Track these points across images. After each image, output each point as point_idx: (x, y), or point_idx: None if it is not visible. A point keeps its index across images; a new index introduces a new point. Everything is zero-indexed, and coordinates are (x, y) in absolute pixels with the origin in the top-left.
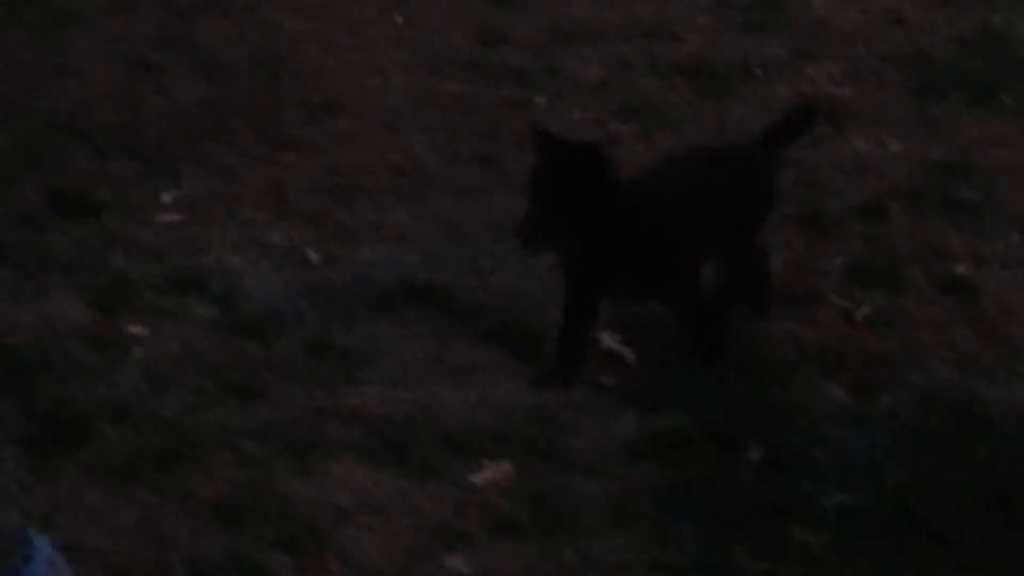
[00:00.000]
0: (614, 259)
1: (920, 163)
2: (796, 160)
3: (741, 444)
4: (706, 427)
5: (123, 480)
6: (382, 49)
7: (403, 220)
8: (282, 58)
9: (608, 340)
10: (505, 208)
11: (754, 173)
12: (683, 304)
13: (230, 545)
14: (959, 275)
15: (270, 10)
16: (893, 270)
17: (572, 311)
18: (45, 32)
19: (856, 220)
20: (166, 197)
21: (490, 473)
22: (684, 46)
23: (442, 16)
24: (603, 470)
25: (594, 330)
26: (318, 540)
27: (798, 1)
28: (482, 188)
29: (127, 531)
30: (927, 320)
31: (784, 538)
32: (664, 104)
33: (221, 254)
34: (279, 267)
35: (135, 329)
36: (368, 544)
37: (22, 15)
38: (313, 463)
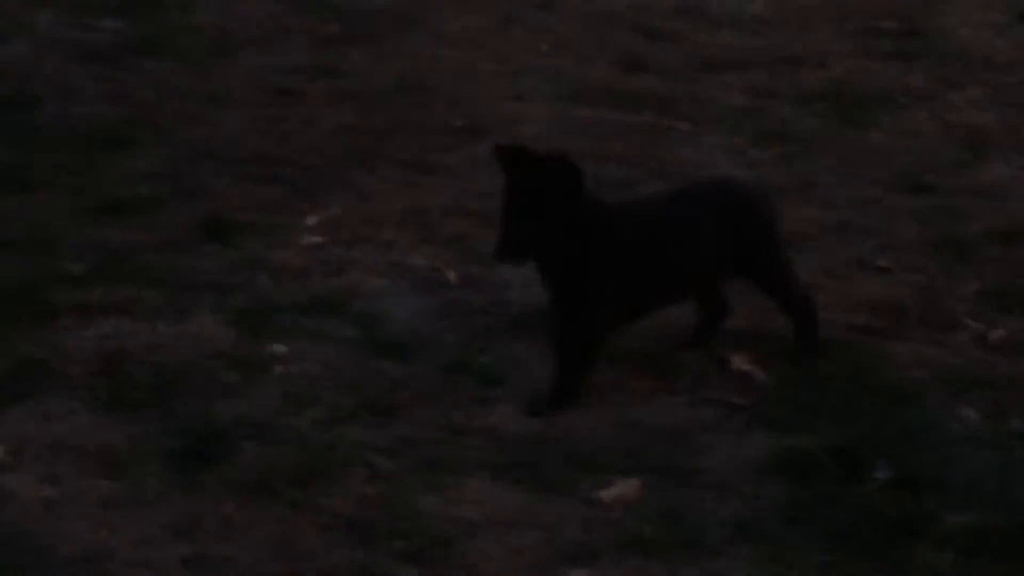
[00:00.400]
0: (581, 271)
1: None
2: (935, 186)
3: (869, 464)
4: (835, 447)
5: (260, 494)
6: (526, 77)
7: None
8: (426, 85)
9: (738, 361)
10: None
11: (742, 208)
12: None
13: (362, 558)
14: None
15: (416, 39)
16: None
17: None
18: (197, 61)
19: (993, 245)
20: (310, 220)
21: (619, 490)
22: (827, 73)
23: (587, 45)
24: (731, 488)
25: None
26: (447, 554)
27: (942, 29)
28: None
29: (262, 543)
30: None
31: (910, 557)
32: (805, 131)
33: (362, 276)
34: (419, 288)
35: (276, 348)
36: (496, 558)
37: (175, 44)
38: (445, 479)
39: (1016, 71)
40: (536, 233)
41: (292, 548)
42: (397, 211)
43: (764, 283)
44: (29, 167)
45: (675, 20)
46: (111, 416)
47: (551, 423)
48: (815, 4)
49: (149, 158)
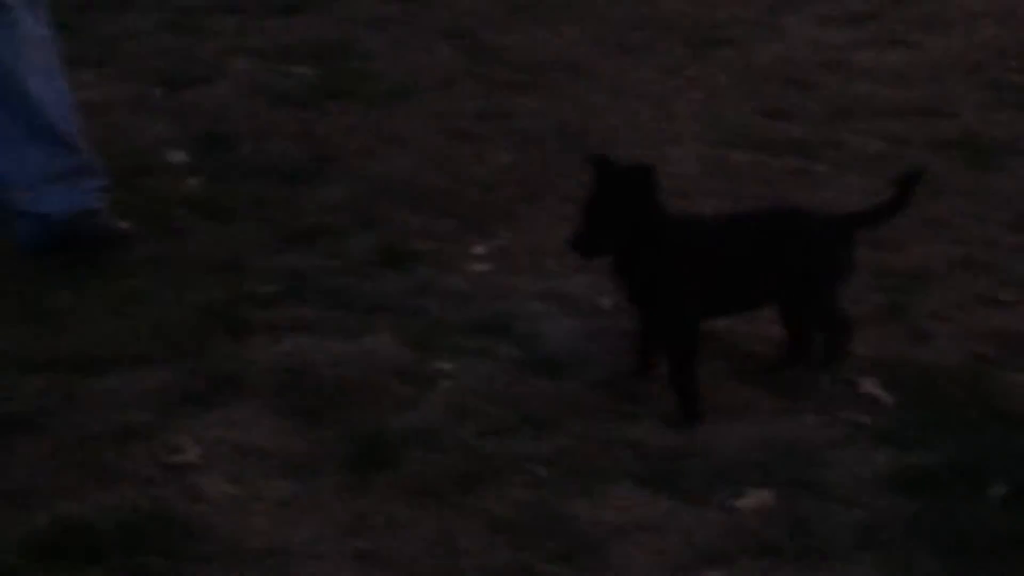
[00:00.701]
0: (646, 275)
1: None
2: None
3: (987, 481)
4: (955, 464)
5: (425, 497)
6: (680, 122)
7: None
8: (588, 129)
9: (866, 385)
10: None
11: (812, 240)
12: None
13: (517, 557)
14: None
15: (581, 88)
16: None
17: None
18: (378, 105)
19: None
20: (478, 250)
21: (753, 500)
22: (959, 122)
23: (737, 93)
24: (856, 501)
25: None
26: (595, 554)
27: None
28: None
29: (426, 542)
30: None
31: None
32: (937, 176)
33: (523, 301)
34: (575, 313)
35: (444, 365)
36: (639, 559)
37: (360, 90)
38: (595, 487)
39: None
40: (606, 231)
41: (454, 546)
42: (557, 243)
43: (799, 310)
44: (227, 199)
45: (818, 72)
46: (294, 424)
47: (691, 436)
48: (950, 58)
49: (334, 192)
